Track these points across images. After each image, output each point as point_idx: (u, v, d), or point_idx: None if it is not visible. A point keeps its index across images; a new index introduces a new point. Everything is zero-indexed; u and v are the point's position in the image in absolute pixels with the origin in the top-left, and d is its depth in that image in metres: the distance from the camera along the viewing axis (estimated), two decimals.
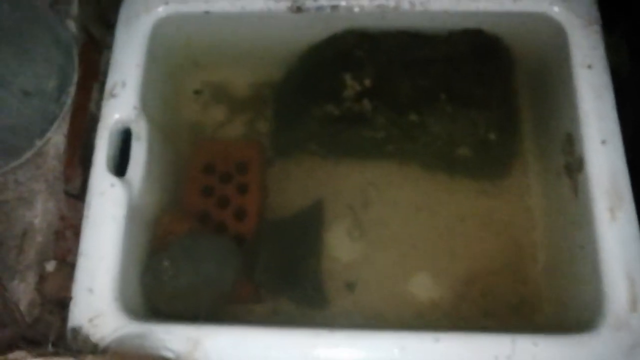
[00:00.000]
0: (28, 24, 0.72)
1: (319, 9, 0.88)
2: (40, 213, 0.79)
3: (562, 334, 0.68)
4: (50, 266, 0.76)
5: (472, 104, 0.89)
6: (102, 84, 0.93)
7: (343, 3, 0.87)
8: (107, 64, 0.94)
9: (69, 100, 0.83)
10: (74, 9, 0.88)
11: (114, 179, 0.79)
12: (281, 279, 0.90)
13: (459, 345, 0.68)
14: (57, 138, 0.83)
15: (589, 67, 0.81)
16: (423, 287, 0.89)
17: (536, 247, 0.90)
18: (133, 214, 0.80)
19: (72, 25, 0.87)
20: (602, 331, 0.67)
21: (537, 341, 0.67)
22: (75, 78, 0.84)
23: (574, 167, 0.80)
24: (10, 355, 0.38)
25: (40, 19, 0.76)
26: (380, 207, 0.95)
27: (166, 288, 0.81)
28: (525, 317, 0.86)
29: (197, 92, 1.03)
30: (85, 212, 0.78)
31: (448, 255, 0.91)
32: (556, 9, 0.85)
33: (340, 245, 0.94)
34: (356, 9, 0.88)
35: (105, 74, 0.90)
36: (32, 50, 0.74)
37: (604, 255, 0.71)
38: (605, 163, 0.75)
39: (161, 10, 0.87)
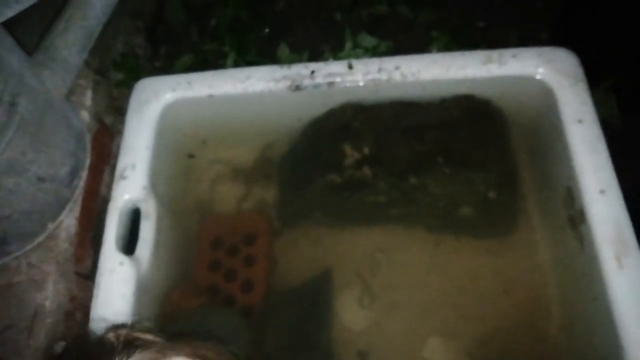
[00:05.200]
0: (44, 115, 0.77)
1: (316, 86, 0.93)
2: (50, 295, 0.80)
3: None
4: (59, 347, 0.76)
5: (469, 165, 0.91)
6: (114, 168, 0.97)
7: (338, 79, 0.92)
8: (118, 148, 0.99)
9: (81, 183, 0.87)
10: (88, 100, 0.95)
11: (123, 258, 0.80)
12: (291, 351, 0.88)
13: None
14: (68, 221, 0.86)
15: (580, 121, 0.83)
16: (437, 351, 0.87)
17: (550, 302, 0.88)
18: (142, 290, 0.80)
19: (85, 115, 0.93)
20: None
21: None
22: (87, 162, 0.89)
23: (577, 219, 0.80)
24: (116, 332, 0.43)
25: (55, 109, 0.81)
26: (388, 272, 0.94)
27: None
28: None
29: (190, 156, 1.04)
30: (95, 292, 0.79)
31: (460, 316, 0.89)
32: (541, 70, 0.88)
33: (351, 314, 0.92)
34: (350, 85, 0.92)
35: (116, 158, 0.95)
36: (47, 138, 0.78)
37: (617, 305, 0.69)
38: (606, 212, 0.75)
39: (169, 97, 0.92)
